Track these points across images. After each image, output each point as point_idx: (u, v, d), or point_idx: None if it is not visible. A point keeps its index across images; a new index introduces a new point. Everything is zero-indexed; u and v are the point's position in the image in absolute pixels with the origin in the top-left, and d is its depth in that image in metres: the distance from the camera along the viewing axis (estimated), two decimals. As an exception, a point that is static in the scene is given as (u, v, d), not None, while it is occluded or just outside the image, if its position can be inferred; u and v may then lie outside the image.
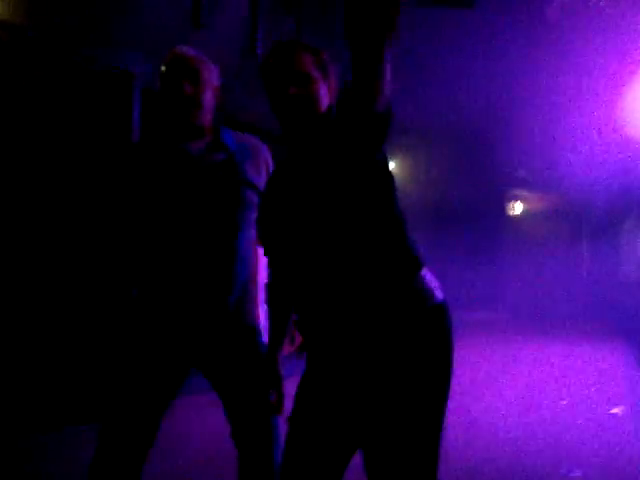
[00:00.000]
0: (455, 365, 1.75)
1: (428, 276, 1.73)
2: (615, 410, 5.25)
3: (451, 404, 1.87)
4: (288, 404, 1.96)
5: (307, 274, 1.70)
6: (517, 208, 13.84)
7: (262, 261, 2.23)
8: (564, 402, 5.62)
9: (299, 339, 2.20)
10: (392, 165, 9.12)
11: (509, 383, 6.46)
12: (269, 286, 2.04)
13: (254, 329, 2.27)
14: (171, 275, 2.12)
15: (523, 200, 13.77)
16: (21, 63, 4.75)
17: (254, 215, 1.96)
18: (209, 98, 2.10)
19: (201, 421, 4.66)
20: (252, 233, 2.18)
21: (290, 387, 1.93)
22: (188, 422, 4.55)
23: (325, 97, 1.77)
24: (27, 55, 4.69)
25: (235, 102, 4.87)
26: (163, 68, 2.07)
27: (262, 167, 2.25)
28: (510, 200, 13.79)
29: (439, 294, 1.72)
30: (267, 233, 1.83)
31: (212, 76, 2.12)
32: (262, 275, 2.33)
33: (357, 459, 1.74)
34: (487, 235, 12.64)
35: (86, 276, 5.06)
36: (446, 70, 8.33)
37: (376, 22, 1.35)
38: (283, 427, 2.02)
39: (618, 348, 8.81)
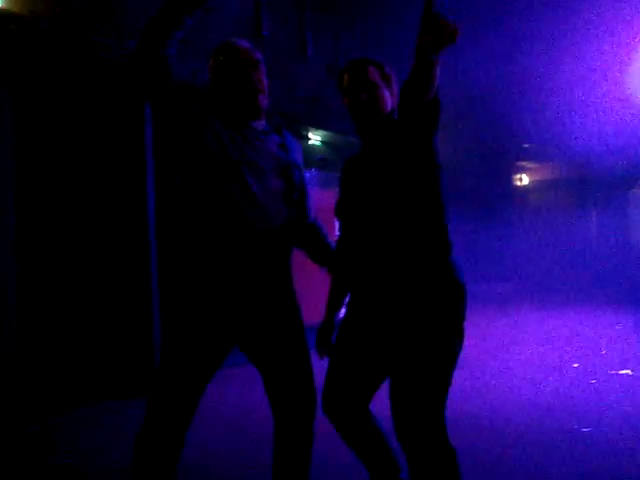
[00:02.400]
0: (467, 334, 2.20)
1: (456, 260, 2.20)
2: (625, 372, 5.39)
3: (464, 371, 2.15)
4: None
5: (370, 243, 2.20)
6: (524, 179, 13.89)
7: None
8: (575, 365, 5.76)
9: None
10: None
11: (521, 349, 6.60)
12: (337, 255, 2.44)
13: (296, 303, 2.41)
14: (231, 247, 2.20)
15: (530, 171, 13.80)
16: (35, 54, 4.86)
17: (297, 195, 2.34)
18: (267, 84, 2.32)
19: (223, 393, 4.83)
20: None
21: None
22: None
23: (389, 101, 2.28)
24: (41, 46, 4.80)
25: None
26: (221, 58, 2.26)
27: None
28: (517, 171, 13.83)
29: (462, 276, 2.20)
30: (344, 211, 2.33)
31: (264, 64, 2.33)
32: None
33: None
34: (495, 207, 12.70)
35: (114, 253, 5.22)
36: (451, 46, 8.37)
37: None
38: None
39: (628, 315, 8.91)
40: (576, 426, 3.94)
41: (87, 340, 5.14)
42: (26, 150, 4.88)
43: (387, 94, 2.29)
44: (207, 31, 5.29)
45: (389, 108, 2.29)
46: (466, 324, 2.22)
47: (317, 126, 8.67)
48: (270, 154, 2.32)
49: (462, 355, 2.20)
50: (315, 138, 9.00)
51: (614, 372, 5.41)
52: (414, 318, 2.13)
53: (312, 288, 3.67)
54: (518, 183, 13.87)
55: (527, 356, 6.26)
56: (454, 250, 2.22)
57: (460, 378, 2.23)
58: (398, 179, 2.16)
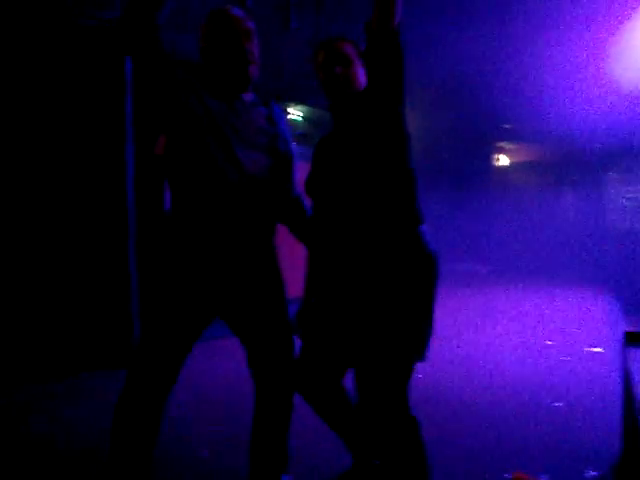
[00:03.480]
0: (440, 312, 2.22)
1: (426, 229, 2.21)
2: (597, 349, 5.50)
3: (437, 348, 2.18)
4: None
5: (339, 217, 2.22)
6: (503, 160, 13.98)
7: None
8: (549, 342, 5.86)
9: None
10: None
11: (496, 327, 6.70)
12: (311, 232, 2.42)
13: (279, 274, 2.42)
14: (213, 212, 2.21)
15: (509, 152, 13.89)
16: (10, 20, 4.76)
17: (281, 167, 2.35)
18: (258, 55, 2.29)
19: (203, 365, 4.85)
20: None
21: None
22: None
23: (362, 78, 2.28)
24: (17, 11, 4.70)
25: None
26: (213, 25, 2.22)
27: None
28: (496, 152, 13.91)
29: (433, 246, 2.20)
30: (314, 187, 2.33)
31: (256, 35, 2.30)
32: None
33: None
34: (473, 187, 12.78)
35: (91, 221, 5.17)
36: (431, 23, 8.35)
37: None
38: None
39: (602, 295, 9.07)
40: (548, 400, 4.02)
41: (65, 310, 5.10)
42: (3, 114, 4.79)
43: (361, 71, 2.28)
44: (190, 3, 5.22)
45: (361, 84, 2.29)
46: (441, 301, 2.23)
47: (298, 101, 8.63)
48: (257, 125, 2.32)
49: (437, 330, 2.22)
50: (296, 113, 8.96)
51: (587, 350, 5.51)
52: (381, 289, 2.14)
53: (296, 261, 3.68)
54: (497, 163, 13.95)
55: (502, 333, 6.36)
56: (426, 221, 2.22)
57: (434, 352, 2.25)
58: (368, 150, 2.17)
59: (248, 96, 2.35)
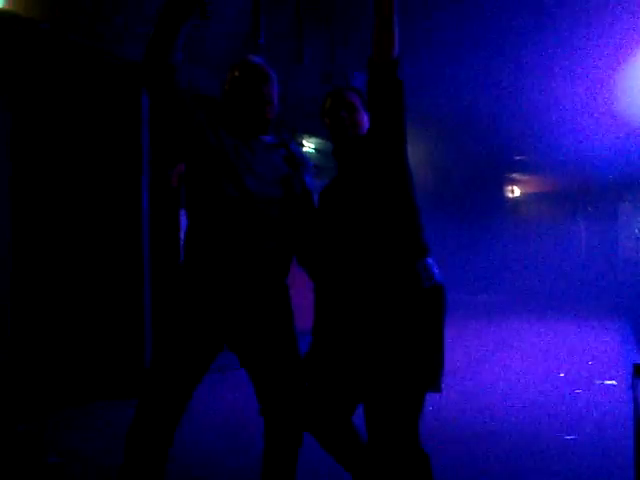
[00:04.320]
0: (454, 344, 2.13)
1: (430, 262, 2.26)
2: (610, 382, 5.46)
3: (452, 380, 2.18)
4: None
5: (344, 252, 2.30)
6: (516, 191, 14.01)
7: None
8: (562, 374, 5.83)
9: None
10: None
11: (510, 359, 6.67)
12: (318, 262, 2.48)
13: (289, 307, 2.47)
14: (225, 246, 2.29)
15: (521, 183, 13.93)
16: (34, 56, 4.91)
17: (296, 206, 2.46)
18: (276, 98, 2.46)
19: (216, 396, 4.87)
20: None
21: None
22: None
23: (366, 124, 2.41)
24: (40, 48, 4.85)
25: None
26: (237, 73, 2.41)
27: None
28: (509, 183, 13.95)
29: (438, 278, 2.25)
30: (321, 226, 2.42)
31: (275, 81, 2.47)
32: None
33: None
34: (486, 218, 12.81)
35: (107, 253, 5.25)
36: (444, 56, 8.47)
37: None
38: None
39: (616, 326, 9.01)
40: (559, 434, 4.00)
41: (79, 340, 5.16)
42: (23, 151, 4.91)
43: (365, 118, 2.43)
44: (206, 39, 5.36)
45: (365, 130, 2.43)
46: (455, 332, 2.26)
47: (311, 134, 8.74)
48: (273, 165, 2.43)
49: (451, 362, 2.25)
50: (309, 145, 9.07)
51: (599, 382, 5.48)
52: (384, 323, 2.19)
53: (308, 293, 3.72)
54: (510, 195, 13.99)
55: (515, 365, 6.33)
56: (439, 254, 2.30)
57: (448, 385, 2.28)
58: (369, 189, 2.28)
59: (267, 138, 2.48)
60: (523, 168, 13.41)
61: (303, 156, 2.61)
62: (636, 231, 13.27)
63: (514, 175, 13.83)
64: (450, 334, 2.27)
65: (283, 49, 7.20)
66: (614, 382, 5.46)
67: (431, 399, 2.22)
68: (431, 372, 2.20)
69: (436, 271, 2.28)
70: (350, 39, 8.20)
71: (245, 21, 6.42)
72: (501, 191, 13.95)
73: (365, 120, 2.43)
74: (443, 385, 2.22)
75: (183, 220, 5.80)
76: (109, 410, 4.66)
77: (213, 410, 4.58)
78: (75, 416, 4.57)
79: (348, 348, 2.30)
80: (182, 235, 5.82)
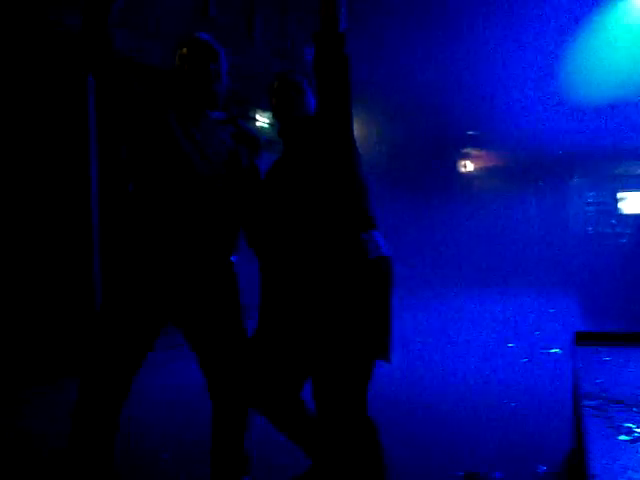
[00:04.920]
0: (406, 317, 2.14)
1: (376, 234, 2.30)
2: (554, 350, 5.65)
3: (400, 352, 2.22)
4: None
5: (288, 227, 2.32)
6: (468, 165, 14.18)
7: None
8: (510, 345, 6.00)
9: None
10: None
11: (458, 329, 6.82)
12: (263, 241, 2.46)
13: (235, 282, 2.48)
14: (175, 221, 2.29)
15: (474, 158, 14.10)
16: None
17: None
18: (225, 75, 2.47)
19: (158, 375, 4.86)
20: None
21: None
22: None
23: (312, 106, 2.44)
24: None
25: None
26: (184, 50, 2.41)
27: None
28: (462, 158, 14.11)
29: (384, 250, 2.28)
30: (267, 204, 2.41)
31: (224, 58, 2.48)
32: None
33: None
34: (439, 193, 12.95)
35: (56, 244, 5.14)
36: (396, 33, 8.48)
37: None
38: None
39: (564, 297, 9.27)
40: (504, 400, 4.13)
41: (32, 320, 5.06)
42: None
43: (312, 101, 2.47)
44: (154, 10, 5.26)
45: (311, 110, 2.46)
46: (407, 306, 2.29)
47: (264, 108, 8.67)
48: (220, 142, 2.44)
49: (399, 334, 2.29)
50: (262, 120, 9.01)
51: (545, 351, 5.66)
52: (329, 294, 2.23)
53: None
54: (462, 169, 14.15)
55: (465, 336, 6.48)
56: (391, 228, 2.33)
57: (396, 357, 2.32)
58: (315, 165, 2.31)
59: (217, 114, 2.49)
60: (476, 143, 13.57)
61: (253, 132, 2.62)
62: (584, 206, 13.64)
63: (467, 150, 13.99)
64: (401, 307, 2.31)
65: (235, 24, 7.10)
66: (558, 350, 5.64)
67: (380, 371, 2.26)
68: (379, 341, 2.23)
69: (382, 243, 2.31)
70: (302, 14, 8.13)
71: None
72: (454, 166, 14.10)
73: (311, 102, 2.46)
74: (392, 355, 2.26)
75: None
76: (58, 390, 4.61)
77: (169, 385, 4.57)
78: (25, 396, 4.51)
79: (296, 322, 2.31)
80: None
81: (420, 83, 9.88)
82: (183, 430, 3.62)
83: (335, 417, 2.21)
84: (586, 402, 2.36)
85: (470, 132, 12.92)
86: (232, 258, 2.49)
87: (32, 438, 3.57)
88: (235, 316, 2.44)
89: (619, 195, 13.28)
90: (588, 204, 13.59)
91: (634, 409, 2.30)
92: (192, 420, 3.75)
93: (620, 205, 13.21)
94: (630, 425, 2.13)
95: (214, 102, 2.46)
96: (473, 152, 14.09)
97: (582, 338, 3.30)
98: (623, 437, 2.06)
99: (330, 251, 2.24)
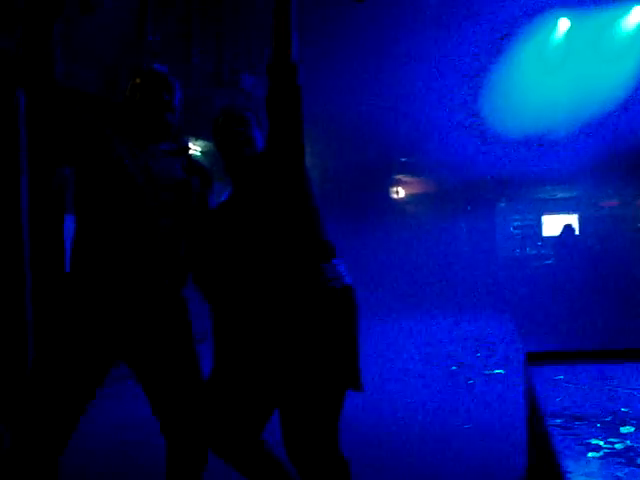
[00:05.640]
0: None
1: (336, 263, 2.26)
2: (498, 371, 5.74)
3: None
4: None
5: (245, 266, 2.24)
6: (401, 192, 14.45)
7: None
8: (454, 367, 6.06)
9: None
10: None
11: (400, 357, 6.83)
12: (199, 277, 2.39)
13: (186, 316, 2.38)
14: (123, 254, 2.19)
15: (407, 184, 14.39)
16: None
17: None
18: (177, 105, 2.42)
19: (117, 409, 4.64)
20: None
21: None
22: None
23: (259, 143, 2.40)
24: None
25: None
26: (138, 80, 2.37)
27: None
28: (395, 184, 14.37)
29: (345, 280, 2.24)
30: (218, 242, 2.33)
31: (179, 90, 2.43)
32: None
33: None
34: (374, 219, 13.12)
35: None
36: (333, 61, 8.61)
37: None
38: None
39: (498, 319, 9.49)
40: (458, 423, 4.15)
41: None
42: None
43: (258, 135, 2.43)
44: (91, 34, 5.13)
45: (259, 146, 2.43)
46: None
47: (197, 136, 8.58)
48: (170, 171, 2.36)
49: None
50: (195, 148, 8.91)
51: (489, 372, 5.74)
52: (294, 332, 2.15)
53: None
54: (395, 196, 14.40)
55: (408, 362, 6.49)
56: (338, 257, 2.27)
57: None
58: (269, 200, 2.26)
59: (166, 145, 2.41)
60: (408, 170, 13.87)
61: (203, 166, 2.55)
62: (511, 229, 14.11)
63: (400, 176, 14.26)
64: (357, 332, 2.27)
65: (172, 49, 7.03)
66: (502, 371, 5.73)
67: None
68: (347, 371, 2.18)
69: (343, 272, 2.28)
70: (238, 40, 8.14)
71: (133, 21, 6.20)
72: (388, 192, 14.33)
73: (258, 136, 2.42)
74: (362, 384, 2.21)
75: (68, 225, 5.50)
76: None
77: (115, 424, 4.36)
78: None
79: (258, 358, 2.22)
80: (67, 242, 5.57)
81: (357, 111, 10.05)
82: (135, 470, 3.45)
83: (307, 454, 2.13)
84: (551, 420, 2.38)
85: (403, 159, 13.20)
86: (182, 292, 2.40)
87: None
88: (188, 353, 2.34)
89: (543, 218, 13.84)
90: (514, 227, 14.10)
91: (597, 425, 2.34)
92: (143, 459, 3.59)
93: (544, 227, 13.76)
94: (598, 442, 2.16)
95: (166, 132, 2.40)
96: (406, 178, 14.39)
97: (533, 358, 3.36)
98: (593, 454, 2.08)
99: (292, 283, 2.18)
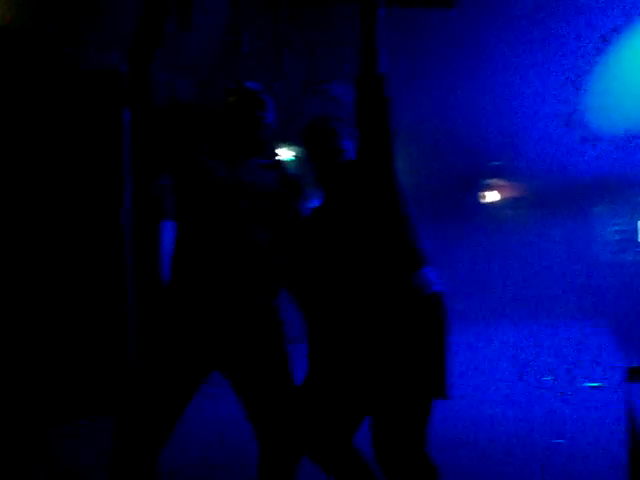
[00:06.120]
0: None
1: (427, 271, 2.27)
2: (595, 384, 5.51)
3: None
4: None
5: (338, 275, 2.30)
6: (494, 196, 14.13)
7: None
8: (550, 378, 5.87)
9: None
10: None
11: (495, 365, 6.69)
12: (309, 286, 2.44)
13: (279, 325, 2.43)
14: (217, 273, 2.28)
15: (497, 189, 14.05)
16: (10, 64, 4.84)
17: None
18: (271, 121, 2.50)
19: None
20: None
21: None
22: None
23: (349, 153, 2.43)
24: (16, 56, 4.78)
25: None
26: (232, 99, 2.45)
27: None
28: (486, 189, 14.07)
29: (436, 287, 2.25)
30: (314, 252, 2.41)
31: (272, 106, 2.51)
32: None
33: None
34: (465, 225, 12.90)
35: (90, 275, 5.15)
36: (423, 65, 8.55)
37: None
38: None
39: (597, 328, 9.11)
40: (550, 438, 4.02)
41: (62, 356, 5.05)
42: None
43: (348, 146, 2.46)
44: (188, 47, 5.33)
45: (350, 157, 2.46)
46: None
47: (291, 142, 8.73)
48: (265, 184, 2.43)
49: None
50: (289, 154, 9.05)
51: (586, 385, 5.53)
52: (385, 340, 2.19)
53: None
54: (487, 200, 14.09)
55: (501, 371, 6.35)
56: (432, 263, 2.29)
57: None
58: (362, 210, 2.30)
59: (260, 159, 2.49)
60: (500, 174, 13.53)
61: (295, 178, 2.60)
62: (608, 234, 13.49)
63: (491, 181, 13.95)
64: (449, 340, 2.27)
65: (265, 59, 7.19)
66: (600, 384, 5.50)
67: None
68: (436, 380, 2.19)
69: (434, 280, 2.28)
70: (328, 51, 8.24)
71: (225, 31, 6.39)
72: (479, 197, 14.06)
73: (347, 147, 2.46)
74: (449, 391, 2.21)
75: (166, 232, 5.73)
76: (93, 427, 4.57)
77: (212, 424, 4.50)
78: (58, 433, 4.47)
79: (351, 365, 2.27)
80: (164, 247, 5.80)
81: (446, 116, 9.93)
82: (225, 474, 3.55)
83: (396, 460, 2.15)
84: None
85: (495, 163, 12.91)
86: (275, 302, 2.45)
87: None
88: (281, 363, 2.38)
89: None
90: (614, 232, 13.46)
91: None
92: (235, 463, 3.68)
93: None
94: None
95: (260, 149, 2.49)
96: (498, 182, 14.06)
97: (635, 373, 3.20)
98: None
99: (384, 291, 2.22)
